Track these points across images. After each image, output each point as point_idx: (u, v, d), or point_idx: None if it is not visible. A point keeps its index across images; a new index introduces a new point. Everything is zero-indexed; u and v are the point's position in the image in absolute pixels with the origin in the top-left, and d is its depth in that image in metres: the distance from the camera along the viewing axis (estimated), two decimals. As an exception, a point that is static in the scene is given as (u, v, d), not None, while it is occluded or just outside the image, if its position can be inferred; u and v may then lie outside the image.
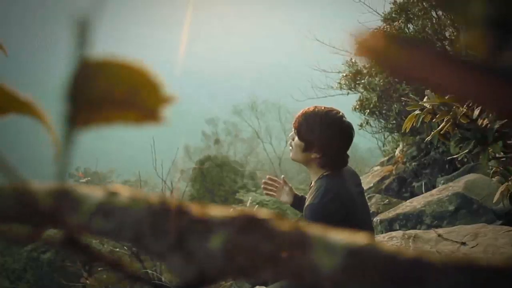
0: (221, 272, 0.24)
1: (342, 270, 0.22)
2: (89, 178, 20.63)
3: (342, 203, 2.52)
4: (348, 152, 2.75)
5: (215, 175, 20.49)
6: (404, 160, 8.42)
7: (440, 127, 1.68)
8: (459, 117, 1.53)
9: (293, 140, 2.68)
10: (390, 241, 3.49)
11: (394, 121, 8.56)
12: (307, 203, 2.58)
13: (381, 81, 7.84)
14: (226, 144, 28.69)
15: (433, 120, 1.71)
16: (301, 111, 2.69)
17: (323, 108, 2.62)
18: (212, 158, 21.76)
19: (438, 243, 3.45)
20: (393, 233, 3.72)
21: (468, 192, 4.84)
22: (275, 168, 24.06)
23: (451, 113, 1.57)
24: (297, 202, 3.08)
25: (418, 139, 8.20)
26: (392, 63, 0.19)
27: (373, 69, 8.07)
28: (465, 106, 1.52)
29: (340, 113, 2.62)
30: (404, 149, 8.61)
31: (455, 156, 1.79)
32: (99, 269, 12.63)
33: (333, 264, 0.22)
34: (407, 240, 3.45)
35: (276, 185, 3.11)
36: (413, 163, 8.14)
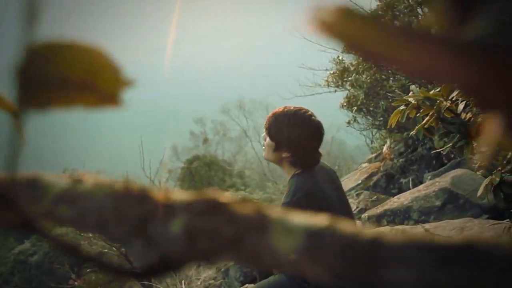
0: (183, 256, 0.23)
1: (302, 252, 0.21)
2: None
3: (314, 200, 2.55)
4: (322, 150, 2.79)
5: (204, 175, 20.45)
6: (392, 156, 8.46)
7: (424, 121, 1.69)
8: (443, 111, 1.55)
9: (265, 140, 2.74)
10: (378, 236, 3.51)
11: (381, 118, 8.60)
12: (281, 202, 2.63)
13: (368, 78, 7.88)
14: (214, 143, 28.63)
15: (417, 115, 1.72)
16: (271, 112, 2.75)
17: (292, 108, 2.67)
18: (201, 157, 21.72)
19: (425, 238, 3.47)
20: (381, 229, 3.73)
21: (454, 187, 4.88)
22: (264, 167, 24.03)
23: (435, 107, 1.58)
24: None
25: (405, 135, 8.24)
26: (351, 39, 0.19)
27: (360, 67, 8.09)
28: (449, 100, 1.53)
29: (309, 112, 2.66)
30: (392, 145, 8.65)
31: (439, 150, 1.81)
32: (88, 270, 12.55)
33: (293, 246, 0.22)
34: (395, 236, 3.47)
35: None
36: (401, 160, 8.17)
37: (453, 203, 4.77)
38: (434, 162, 7.56)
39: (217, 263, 0.24)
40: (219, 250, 0.22)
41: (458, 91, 1.46)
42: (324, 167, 2.86)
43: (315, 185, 2.62)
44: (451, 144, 1.56)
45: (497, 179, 1.77)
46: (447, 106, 1.53)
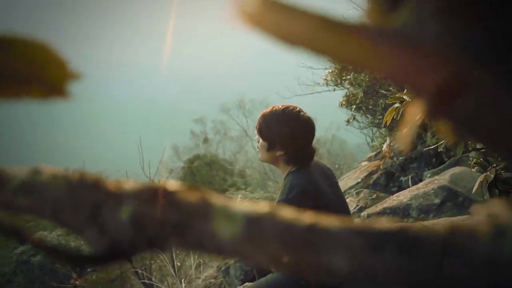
0: (132, 243, 0.24)
1: (242, 237, 0.22)
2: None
3: (310, 197, 2.57)
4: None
5: (205, 174, 20.45)
6: (392, 154, 8.46)
7: (417, 118, 1.69)
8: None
9: (258, 142, 2.77)
10: (376, 234, 3.53)
11: (380, 116, 8.61)
12: (276, 200, 2.65)
13: (366, 77, 7.88)
14: (214, 142, 28.64)
15: (405, 105, 1.73)
16: (260, 113, 2.77)
17: (280, 106, 2.70)
18: (201, 156, 21.71)
19: (423, 236, 3.48)
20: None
21: (453, 185, 4.89)
22: (264, 166, 24.04)
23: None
24: None
25: (405, 133, 8.23)
26: (274, 31, 0.20)
27: (358, 65, 8.10)
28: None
29: (297, 109, 2.68)
30: (391, 144, 8.65)
31: (432, 147, 1.81)
32: (88, 270, 12.58)
33: (233, 232, 0.22)
34: (393, 233, 3.48)
35: None
36: (400, 158, 8.17)
37: (452, 201, 4.78)
38: (433, 160, 7.56)
39: (166, 250, 0.24)
40: (165, 236, 0.23)
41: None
42: (319, 164, 2.88)
43: (311, 182, 2.64)
44: (443, 141, 1.57)
45: (492, 176, 1.78)
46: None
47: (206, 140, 28.05)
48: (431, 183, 5.14)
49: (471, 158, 2.14)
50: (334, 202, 2.76)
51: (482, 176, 1.84)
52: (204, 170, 20.62)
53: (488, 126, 0.19)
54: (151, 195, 0.24)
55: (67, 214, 0.25)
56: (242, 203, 0.23)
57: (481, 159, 1.92)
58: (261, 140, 2.72)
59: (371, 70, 0.19)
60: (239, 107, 26.79)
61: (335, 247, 0.20)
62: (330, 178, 2.86)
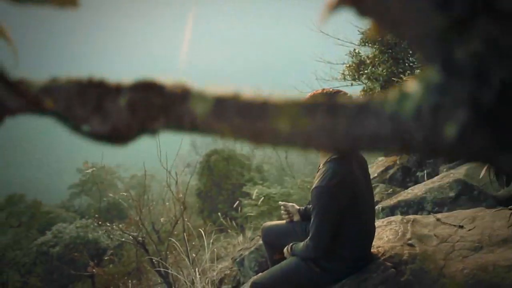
0: (127, 125, 0.29)
1: (211, 114, 0.27)
2: (94, 168, 20.70)
3: (348, 187, 2.62)
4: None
5: (222, 169, 20.51)
6: (408, 150, 8.41)
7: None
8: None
9: None
10: (389, 225, 3.55)
11: (398, 111, 8.57)
12: (314, 184, 2.68)
13: (384, 71, 7.86)
14: (232, 137, 28.66)
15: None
16: (309, 94, 2.78)
17: (330, 89, 2.72)
18: (219, 151, 21.76)
19: (436, 227, 3.49)
20: (392, 218, 3.76)
21: (469, 178, 4.87)
22: (282, 161, 24.06)
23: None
24: (303, 214, 3.39)
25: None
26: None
27: (376, 59, 8.08)
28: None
29: (348, 95, 2.70)
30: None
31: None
32: (105, 257, 12.73)
33: (205, 110, 0.27)
34: (406, 224, 3.49)
35: (290, 209, 3.44)
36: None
37: (467, 194, 4.77)
38: (451, 155, 7.49)
39: (155, 133, 0.29)
40: (153, 117, 0.28)
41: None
42: (358, 154, 2.92)
43: (350, 172, 2.70)
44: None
45: (499, 161, 1.80)
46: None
47: (224, 135, 28.01)
48: (446, 176, 5.14)
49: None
50: (366, 195, 2.84)
51: (490, 161, 1.86)
52: (222, 165, 20.68)
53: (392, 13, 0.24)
54: (142, 85, 0.29)
55: (77, 107, 0.30)
56: (213, 88, 0.28)
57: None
58: None
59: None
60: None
61: (280, 114, 0.25)
62: (365, 170, 2.91)
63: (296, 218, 3.39)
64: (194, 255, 6.39)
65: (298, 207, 3.44)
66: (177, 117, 0.28)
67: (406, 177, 8.12)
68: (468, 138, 0.22)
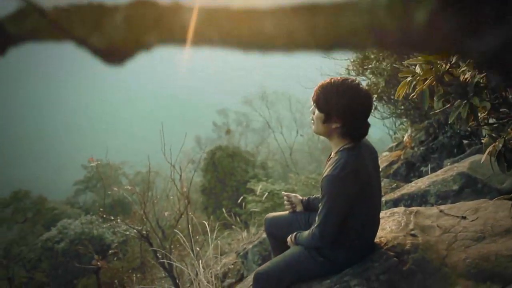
0: (123, 40, 0.31)
1: (202, 22, 0.29)
2: (98, 162, 20.75)
3: (359, 177, 2.63)
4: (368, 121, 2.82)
5: (227, 165, 20.54)
6: (413, 145, 8.42)
7: (426, 82, 1.74)
8: (442, 73, 1.59)
9: (313, 113, 2.79)
10: (392, 216, 3.55)
11: (402, 107, 8.56)
12: (325, 173, 2.69)
13: (388, 65, 7.85)
14: (237, 134, 28.77)
15: (417, 78, 1.77)
16: (318, 84, 2.78)
17: (339, 78, 2.72)
18: (223, 148, 21.79)
19: (439, 218, 3.50)
20: (395, 209, 3.77)
21: (473, 171, 4.87)
22: (286, 158, 24.05)
23: (433, 68, 1.62)
24: (306, 205, 3.38)
25: (427, 124, 8.18)
26: None
27: (380, 54, 8.07)
28: (448, 64, 1.57)
29: (356, 81, 2.70)
30: (413, 134, 8.61)
31: (438, 111, 1.84)
32: (109, 252, 12.79)
33: (195, 19, 0.29)
34: (408, 215, 3.50)
35: (292, 200, 3.43)
36: (421, 148, 8.13)
37: (470, 187, 4.76)
38: (455, 150, 7.50)
39: (150, 48, 0.31)
40: (147, 30, 0.30)
41: (457, 55, 1.51)
42: (368, 144, 2.92)
43: (362, 163, 2.70)
44: (449, 105, 1.61)
45: (500, 145, 1.81)
46: (446, 69, 1.57)
47: (228, 132, 28.16)
48: (450, 170, 5.13)
49: (484, 134, 2.17)
50: (375, 185, 2.86)
51: (491, 146, 1.88)
52: (226, 161, 20.72)
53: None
54: (139, 3, 0.31)
55: (75, 28, 0.32)
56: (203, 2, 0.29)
57: (491, 131, 1.95)
58: (317, 111, 2.76)
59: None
60: (261, 98, 26.88)
61: (265, 17, 0.27)
62: (375, 161, 2.92)
63: (299, 208, 3.40)
64: (198, 249, 6.42)
65: (301, 198, 3.44)
66: (169, 29, 0.29)
67: (410, 172, 8.12)
68: (437, 23, 0.23)
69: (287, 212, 3.46)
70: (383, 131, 12.05)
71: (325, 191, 2.66)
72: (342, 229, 2.77)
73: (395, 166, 8.37)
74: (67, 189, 33.36)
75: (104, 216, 7.29)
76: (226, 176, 20.37)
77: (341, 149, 2.74)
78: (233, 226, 9.52)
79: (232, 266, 7.01)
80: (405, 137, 8.83)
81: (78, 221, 20.84)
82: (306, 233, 2.95)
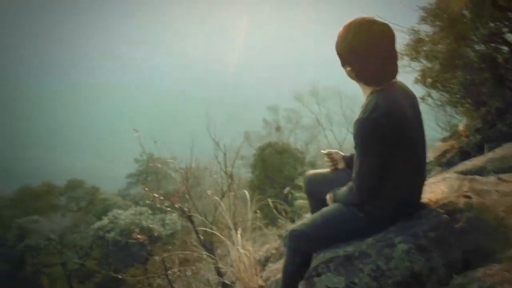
0: None
1: None
2: (150, 153, 21.08)
3: (393, 120, 2.36)
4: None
5: (275, 162, 20.47)
6: (468, 133, 7.97)
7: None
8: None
9: None
10: (443, 181, 3.26)
11: (457, 94, 8.09)
12: (356, 118, 2.44)
13: (444, 48, 7.45)
14: (287, 131, 28.51)
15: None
16: (348, 21, 2.59)
17: (359, 18, 2.50)
18: (273, 144, 21.75)
19: (498, 185, 3.19)
20: (447, 174, 3.48)
21: (535, 148, 4.50)
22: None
23: None
24: (349, 161, 3.11)
25: (484, 111, 7.70)
26: None
27: (436, 36, 7.68)
28: None
29: (372, 19, 2.47)
30: (468, 122, 8.17)
31: None
32: (157, 245, 12.88)
33: None
34: (462, 180, 3.20)
35: (334, 156, 3.22)
36: (477, 136, 7.65)
37: (531, 164, 4.39)
38: (513, 139, 7.04)
39: None
40: None
41: None
42: (405, 88, 2.67)
43: (395, 104, 2.45)
44: None
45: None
46: None
47: (278, 128, 28.03)
48: (510, 147, 4.76)
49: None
50: (415, 128, 2.58)
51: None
52: (275, 158, 20.65)
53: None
54: None
55: None
56: None
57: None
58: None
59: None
60: (312, 95, 26.52)
61: None
62: (414, 107, 2.65)
63: (341, 165, 3.17)
64: (239, 232, 6.32)
65: (343, 154, 3.21)
66: None
67: (464, 161, 7.69)
68: None
69: (328, 169, 3.23)
70: (437, 119, 11.59)
71: (356, 138, 2.43)
72: (382, 181, 2.50)
73: (448, 155, 7.95)
74: (119, 180, 34.02)
75: (153, 201, 7.14)
76: (274, 172, 20.28)
77: (372, 92, 2.53)
78: (279, 220, 9.39)
79: (275, 251, 6.88)
80: (460, 126, 8.42)
81: (128, 212, 21.30)
82: (344, 188, 2.72)
